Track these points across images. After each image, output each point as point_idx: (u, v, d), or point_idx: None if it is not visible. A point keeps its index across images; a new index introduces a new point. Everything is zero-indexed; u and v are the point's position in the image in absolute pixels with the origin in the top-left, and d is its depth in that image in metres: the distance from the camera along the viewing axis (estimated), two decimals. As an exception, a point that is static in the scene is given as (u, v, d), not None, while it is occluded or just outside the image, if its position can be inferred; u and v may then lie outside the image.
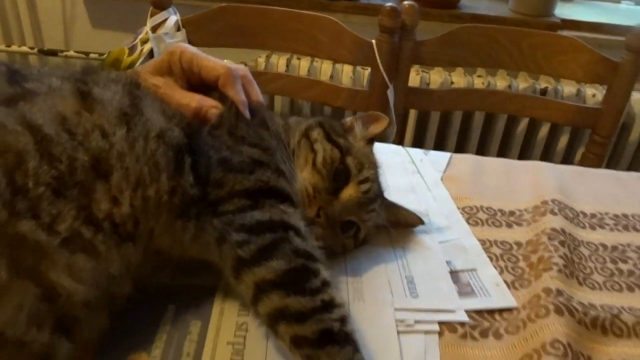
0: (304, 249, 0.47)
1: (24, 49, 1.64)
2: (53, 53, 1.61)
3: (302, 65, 1.55)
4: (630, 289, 0.62)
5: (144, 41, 1.30)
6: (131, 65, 1.26)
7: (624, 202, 0.79)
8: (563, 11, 1.67)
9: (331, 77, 1.54)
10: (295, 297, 0.44)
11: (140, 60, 1.27)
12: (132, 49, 1.28)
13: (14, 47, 1.65)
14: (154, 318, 0.50)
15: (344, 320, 0.44)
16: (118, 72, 0.56)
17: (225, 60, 0.66)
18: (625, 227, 0.73)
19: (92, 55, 1.61)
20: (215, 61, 0.60)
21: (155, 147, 0.48)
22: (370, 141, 0.63)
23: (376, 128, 0.63)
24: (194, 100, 0.56)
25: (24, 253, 0.40)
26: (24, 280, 0.39)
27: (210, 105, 0.56)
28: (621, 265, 0.65)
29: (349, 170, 0.58)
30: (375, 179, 0.60)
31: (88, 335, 0.44)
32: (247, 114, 0.59)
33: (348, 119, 0.65)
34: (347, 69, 1.56)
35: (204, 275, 0.54)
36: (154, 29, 1.26)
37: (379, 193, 0.61)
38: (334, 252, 0.59)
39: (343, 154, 0.58)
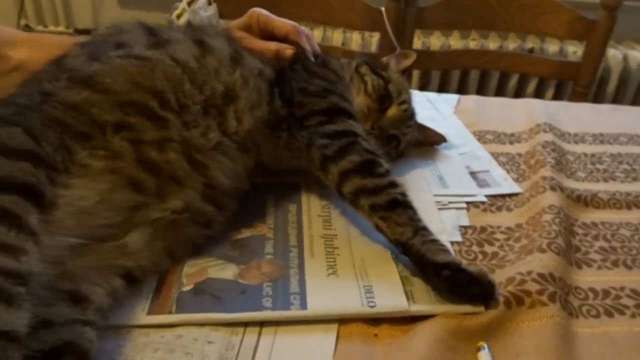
0: (370, 148, 0.64)
1: (61, 28, 1.79)
2: (87, 32, 1.76)
3: (316, 35, 1.72)
4: (605, 180, 0.81)
5: (179, 15, 1.45)
6: (170, 37, 1.42)
7: (601, 125, 0.98)
8: (545, -22, 1.84)
9: (342, 44, 1.72)
10: (370, 179, 0.61)
11: (178, 33, 1.42)
12: (170, 23, 1.43)
13: (51, 28, 1.80)
14: (260, 204, 0.69)
15: (404, 194, 0.62)
16: (217, 27, 0.74)
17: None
18: (602, 142, 0.93)
19: (122, 33, 1.76)
20: (284, 21, 0.78)
21: (259, 82, 0.66)
22: (403, 72, 0.81)
23: (407, 62, 0.81)
24: (273, 44, 0.74)
25: (193, 153, 0.58)
26: (196, 172, 0.58)
27: (286, 47, 0.74)
28: (598, 166, 0.85)
29: (391, 94, 0.76)
30: (409, 102, 0.79)
31: (229, 214, 0.63)
32: (311, 58, 0.77)
33: (384, 58, 0.83)
34: (356, 36, 1.73)
35: (288, 176, 0.73)
36: (189, 4, 1.42)
37: (414, 113, 0.80)
38: None
39: (386, 82, 0.76)
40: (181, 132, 0.57)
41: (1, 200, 0.43)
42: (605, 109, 1.06)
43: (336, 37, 1.72)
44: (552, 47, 1.75)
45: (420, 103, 1.02)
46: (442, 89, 1.82)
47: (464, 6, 1.48)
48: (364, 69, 0.78)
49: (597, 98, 1.85)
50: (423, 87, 1.81)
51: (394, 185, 0.62)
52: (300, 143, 0.66)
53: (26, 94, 0.55)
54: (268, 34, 0.79)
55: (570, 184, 0.78)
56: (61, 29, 1.80)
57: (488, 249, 0.65)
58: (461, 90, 1.83)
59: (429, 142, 0.85)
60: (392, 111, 0.76)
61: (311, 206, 0.69)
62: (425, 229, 0.59)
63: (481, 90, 1.83)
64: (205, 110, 0.60)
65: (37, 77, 0.58)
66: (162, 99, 0.57)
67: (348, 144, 0.64)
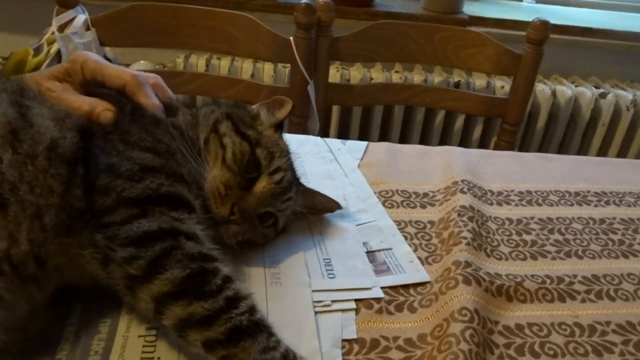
0: (199, 251, 0.45)
1: None
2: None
3: (223, 65, 1.53)
4: (534, 257, 0.66)
5: (51, 42, 1.23)
6: (37, 67, 1.19)
7: (527, 179, 0.84)
8: (471, 8, 1.76)
9: (252, 75, 1.53)
10: (198, 303, 0.42)
11: (47, 62, 1.20)
12: (37, 50, 1.20)
13: None
14: (58, 324, 0.47)
15: (252, 310, 0.44)
16: (1, 78, 0.53)
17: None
18: (529, 202, 0.78)
19: (-8, 59, 1.51)
20: (120, 69, 0.58)
21: (46, 166, 0.45)
22: (278, 127, 0.62)
23: (282, 113, 0.62)
24: (85, 103, 0.53)
25: None
26: None
27: (103, 108, 0.53)
28: (525, 237, 0.70)
29: (260, 162, 0.57)
30: (287, 167, 0.60)
31: None
32: (163, 116, 0.57)
33: (253, 106, 0.64)
34: (268, 67, 1.56)
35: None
36: (61, 28, 1.20)
37: (293, 180, 0.61)
38: (256, 243, 0.59)
39: (253, 146, 0.57)
40: None
41: None
42: (531, 158, 0.92)
43: (245, 67, 1.54)
44: (479, 81, 1.64)
45: (320, 154, 0.85)
46: (364, 125, 1.67)
47: (382, 37, 1.34)
48: (224, 127, 0.58)
49: (527, 134, 1.76)
50: (343, 125, 1.66)
51: (234, 301, 0.43)
52: (93, 257, 0.45)
53: None
54: (99, 87, 0.59)
55: (491, 266, 0.62)
56: None
57: (379, 375, 0.47)
58: (384, 127, 1.68)
59: (319, 210, 0.67)
60: (261, 185, 0.56)
61: (133, 322, 0.48)
62: (288, 357, 0.42)
63: (406, 128, 1.69)
64: None
65: None
66: None
67: (163, 253, 0.44)
